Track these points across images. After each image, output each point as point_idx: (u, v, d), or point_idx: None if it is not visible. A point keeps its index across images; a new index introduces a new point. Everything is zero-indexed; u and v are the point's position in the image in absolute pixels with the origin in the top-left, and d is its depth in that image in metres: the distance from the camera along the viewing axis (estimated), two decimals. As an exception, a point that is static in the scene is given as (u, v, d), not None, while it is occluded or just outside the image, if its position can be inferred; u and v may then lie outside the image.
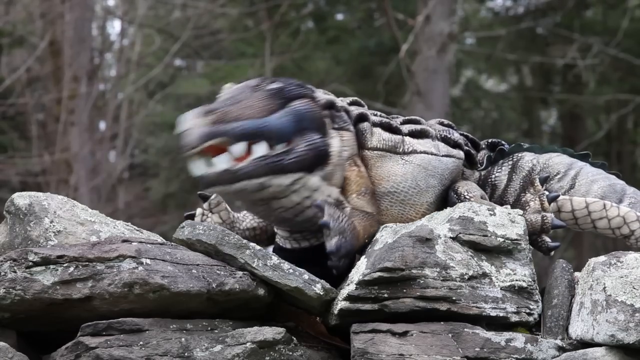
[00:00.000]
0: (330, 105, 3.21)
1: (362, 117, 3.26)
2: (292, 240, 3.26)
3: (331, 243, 3.00)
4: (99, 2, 14.70)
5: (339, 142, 3.17)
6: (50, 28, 12.79)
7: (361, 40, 13.55)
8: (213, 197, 3.44)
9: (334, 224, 3.02)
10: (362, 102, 3.34)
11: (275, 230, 3.32)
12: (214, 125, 3.02)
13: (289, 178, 3.08)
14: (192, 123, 3.03)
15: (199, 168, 3.05)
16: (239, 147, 3.04)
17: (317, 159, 3.12)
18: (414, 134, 3.29)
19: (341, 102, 3.27)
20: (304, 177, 3.10)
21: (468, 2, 14.04)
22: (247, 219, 3.46)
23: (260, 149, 3.06)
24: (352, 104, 3.31)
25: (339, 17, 14.81)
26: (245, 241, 2.97)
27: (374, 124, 3.27)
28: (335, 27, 14.24)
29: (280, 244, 3.29)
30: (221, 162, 3.03)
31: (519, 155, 3.47)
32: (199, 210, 3.46)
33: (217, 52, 15.42)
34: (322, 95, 3.24)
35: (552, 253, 3.23)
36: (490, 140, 3.52)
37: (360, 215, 3.12)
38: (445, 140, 3.32)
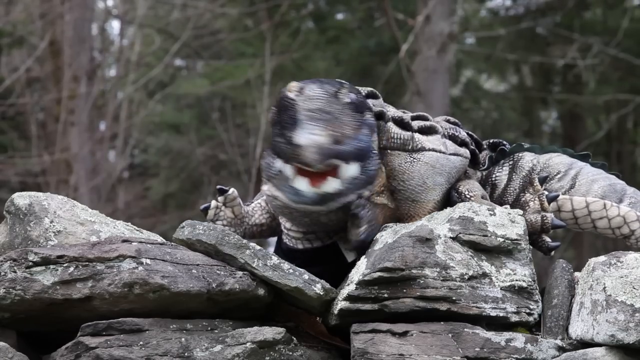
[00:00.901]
0: (376, 114, 3.23)
1: (380, 115, 3.26)
2: (305, 241, 3.27)
3: (361, 229, 3.07)
4: (99, 2, 14.70)
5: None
6: (50, 28, 12.79)
7: (361, 40, 13.56)
8: (230, 191, 3.44)
9: (365, 212, 3.09)
10: (377, 93, 3.33)
11: (285, 230, 3.31)
12: (333, 145, 2.99)
13: (368, 191, 3.12)
14: (314, 139, 2.98)
15: (301, 184, 3.01)
16: (353, 169, 3.04)
17: (378, 172, 3.16)
18: (423, 131, 3.28)
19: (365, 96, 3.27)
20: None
21: (468, 2, 14.04)
22: (255, 214, 3.46)
23: (353, 169, 3.05)
24: (368, 96, 3.29)
25: (339, 17, 14.81)
26: (245, 241, 2.97)
27: (387, 120, 3.28)
28: (335, 27, 14.24)
29: (291, 245, 3.28)
30: (332, 184, 3.01)
31: (519, 155, 3.47)
32: (213, 203, 3.46)
33: (217, 52, 15.43)
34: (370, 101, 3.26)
35: (553, 253, 3.23)
36: (491, 141, 3.52)
37: (383, 209, 3.16)
38: (453, 138, 3.32)
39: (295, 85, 3.10)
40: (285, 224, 3.31)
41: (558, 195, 3.29)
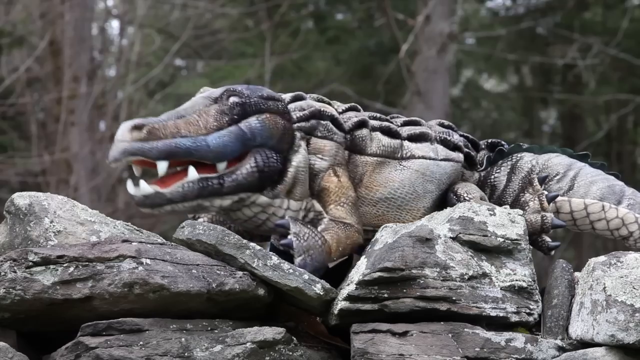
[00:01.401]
0: (312, 116, 3.18)
1: (361, 124, 3.23)
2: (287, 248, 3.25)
3: (296, 262, 3.00)
4: (99, 2, 14.70)
5: (302, 157, 3.13)
6: (50, 28, 12.79)
7: (361, 40, 13.55)
8: None
9: (298, 242, 3.01)
10: (358, 107, 3.29)
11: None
12: (140, 142, 2.96)
13: (228, 200, 3.07)
14: (121, 136, 2.98)
15: (129, 187, 3.02)
16: (161, 166, 3.00)
17: (265, 179, 3.09)
18: (412, 138, 3.28)
19: (332, 110, 3.23)
20: (250, 196, 3.09)
21: (468, 2, 14.03)
22: None
23: (192, 173, 3.01)
24: (348, 109, 3.27)
25: (339, 17, 14.80)
26: (245, 241, 2.97)
27: (374, 129, 3.25)
28: (335, 27, 14.23)
29: (274, 244, 3.29)
30: (145, 187, 3.00)
31: (518, 155, 3.47)
32: None
33: (217, 52, 15.42)
34: (306, 103, 3.20)
35: (553, 253, 3.24)
36: (489, 141, 3.51)
37: (337, 227, 3.10)
38: (445, 142, 3.32)
39: (206, 88, 3.19)
40: None
41: (557, 195, 3.29)
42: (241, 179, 3.06)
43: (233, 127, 3.06)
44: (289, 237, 3.03)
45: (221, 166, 3.05)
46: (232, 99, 3.09)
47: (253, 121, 3.08)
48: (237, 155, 3.06)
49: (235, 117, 3.07)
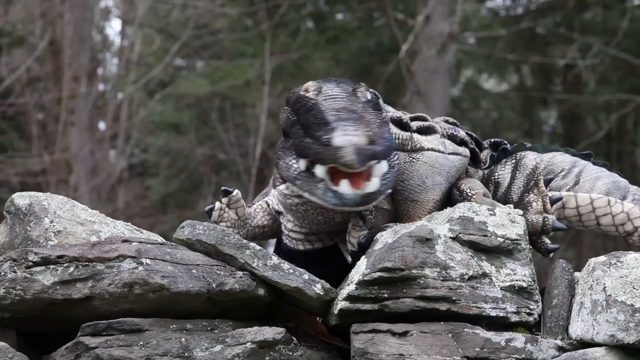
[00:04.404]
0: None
1: None
2: (306, 242, 3.27)
3: (361, 234, 3.08)
4: (98, 2, 14.70)
5: None
6: (50, 28, 12.79)
7: (361, 40, 13.56)
8: (235, 193, 3.43)
9: (369, 217, 3.11)
10: (377, 94, 3.33)
11: (286, 231, 3.31)
12: (369, 145, 2.96)
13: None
14: (353, 140, 2.94)
15: (343, 187, 2.97)
16: (384, 166, 3.02)
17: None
18: (421, 131, 3.29)
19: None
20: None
21: (468, 2, 14.03)
22: (257, 215, 3.46)
23: (384, 166, 3.03)
24: None
25: (339, 17, 14.81)
26: (245, 241, 2.97)
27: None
28: (335, 27, 14.24)
29: (292, 246, 3.29)
30: (373, 184, 2.99)
31: (522, 154, 3.47)
32: (217, 205, 3.45)
33: (217, 52, 15.43)
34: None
35: (551, 255, 3.24)
36: (492, 140, 3.52)
37: (382, 213, 3.16)
38: (452, 137, 3.32)
39: (313, 84, 3.09)
40: (287, 224, 3.31)
41: (562, 198, 3.29)
42: (397, 167, 3.13)
43: (386, 121, 3.12)
44: (367, 212, 3.12)
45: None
46: (369, 96, 3.12)
47: (385, 114, 3.15)
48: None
49: (379, 111, 3.11)
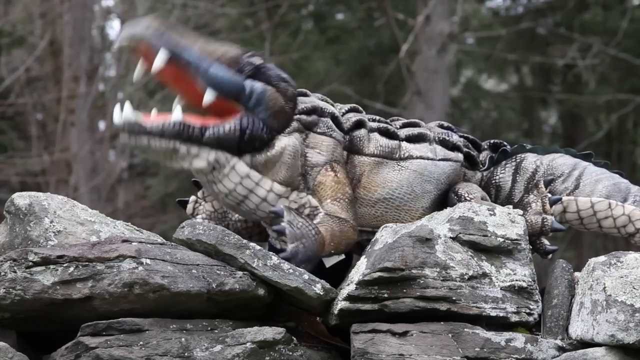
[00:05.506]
0: (313, 111, 3.20)
1: (359, 124, 3.26)
2: (282, 241, 3.25)
3: (288, 249, 3.01)
4: (98, 2, 14.69)
5: (292, 142, 3.15)
6: (50, 28, 12.79)
7: (361, 40, 13.55)
8: None
9: (290, 230, 3.03)
10: (360, 108, 3.32)
11: (268, 230, 3.31)
12: (156, 31, 3.06)
13: (204, 156, 3.09)
14: (147, 23, 3.06)
15: (116, 113, 3.09)
16: (159, 58, 3.06)
17: (246, 143, 3.11)
18: (410, 139, 3.29)
19: (334, 109, 3.25)
20: (228, 159, 3.10)
21: (468, 2, 14.02)
22: None
23: (176, 114, 3.08)
24: (350, 110, 3.30)
25: (339, 17, 14.80)
26: (245, 241, 2.97)
27: (372, 130, 3.27)
28: (335, 27, 14.23)
29: (272, 243, 3.29)
30: (129, 112, 3.07)
31: (522, 156, 3.47)
32: (192, 198, 3.45)
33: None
34: (309, 99, 3.23)
35: (550, 257, 3.24)
36: (492, 141, 3.52)
37: (332, 221, 3.11)
38: (444, 143, 3.33)
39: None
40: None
41: (560, 199, 3.30)
42: (221, 133, 3.09)
43: (238, 76, 3.12)
44: (282, 224, 3.03)
45: (208, 96, 3.09)
46: (252, 59, 3.17)
47: (258, 84, 3.13)
48: (224, 97, 3.11)
49: (245, 72, 3.14)
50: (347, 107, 3.30)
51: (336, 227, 3.11)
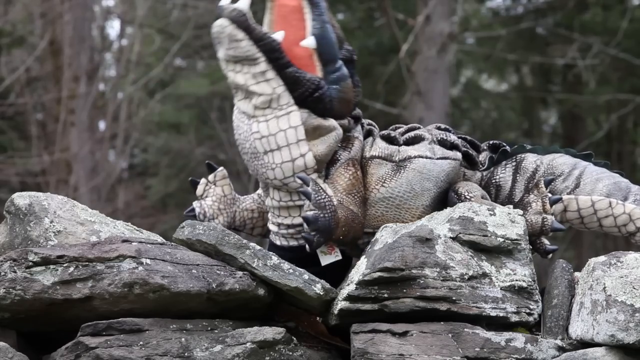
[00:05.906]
0: (358, 118, 3.33)
1: (369, 132, 3.35)
2: (282, 238, 3.25)
3: (308, 213, 3.06)
4: (98, 2, 14.70)
5: (339, 129, 3.23)
6: (50, 28, 12.79)
7: (361, 40, 13.55)
8: (219, 169, 3.44)
9: (315, 196, 3.08)
10: (375, 125, 3.43)
11: (269, 225, 3.31)
12: None
13: (277, 83, 3.14)
14: None
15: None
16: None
17: (314, 101, 3.18)
18: (409, 142, 3.33)
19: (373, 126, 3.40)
20: (290, 102, 3.16)
21: (468, 2, 14.03)
22: (247, 200, 3.46)
23: (279, 35, 3.15)
24: (368, 124, 3.43)
25: (339, 17, 14.80)
26: (245, 241, 2.97)
27: (375, 136, 3.36)
28: (335, 27, 14.21)
29: (272, 240, 3.30)
30: (246, 5, 3.13)
31: (522, 156, 3.47)
32: (203, 180, 3.46)
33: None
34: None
35: (550, 256, 3.24)
36: (492, 142, 3.52)
37: (345, 209, 3.15)
38: (442, 142, 3.34)
39: None
40: (273, 219, 3.29)
41: (561, 199, 3.30)
42: (301, 77, 3.15)
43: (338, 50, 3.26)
44: (308, 188, 3.09)
45: (310, 41, 3.17)
46: (350, 48, 3.33)
47: (345, 69, 3.26)
48: (319, 52, 3.20)
49: (342, 53, 3.29)
50: (367, 121, 3.41)
51: (350, 215, 3.14)
